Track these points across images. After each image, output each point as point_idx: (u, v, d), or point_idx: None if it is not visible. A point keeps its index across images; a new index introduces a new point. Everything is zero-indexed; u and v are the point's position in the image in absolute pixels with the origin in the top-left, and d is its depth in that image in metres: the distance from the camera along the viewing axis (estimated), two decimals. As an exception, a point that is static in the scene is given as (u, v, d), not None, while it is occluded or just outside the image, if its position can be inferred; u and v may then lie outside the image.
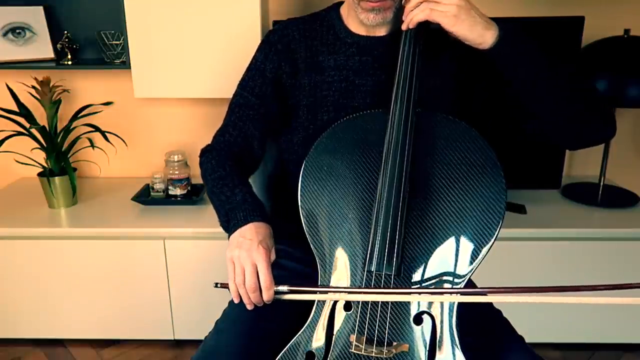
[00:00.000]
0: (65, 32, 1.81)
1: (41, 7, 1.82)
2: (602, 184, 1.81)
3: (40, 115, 1.76)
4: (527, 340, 0.95)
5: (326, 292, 0.87)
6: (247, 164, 1.12)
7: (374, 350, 0.82)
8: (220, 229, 0.99)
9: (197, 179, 1.51)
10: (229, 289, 0.89)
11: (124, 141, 1.89)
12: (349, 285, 0.88)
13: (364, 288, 0.86)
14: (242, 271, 0.87)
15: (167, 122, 1.99)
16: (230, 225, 0.95)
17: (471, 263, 0.85)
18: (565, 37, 1.62)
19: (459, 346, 0.83)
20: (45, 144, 1.73)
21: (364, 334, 0.84)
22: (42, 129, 1.70)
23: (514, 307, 0.92)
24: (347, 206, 0.90)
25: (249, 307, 0.89)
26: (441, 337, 0.83)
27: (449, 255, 0.86)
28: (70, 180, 1.73)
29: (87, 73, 1.94)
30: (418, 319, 0.84)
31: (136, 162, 2.04)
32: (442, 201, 0.87)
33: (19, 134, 1.72)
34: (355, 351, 0.83)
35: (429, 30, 0.97)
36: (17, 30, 1.80)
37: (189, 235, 1.64)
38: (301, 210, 0.92)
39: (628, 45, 1.66)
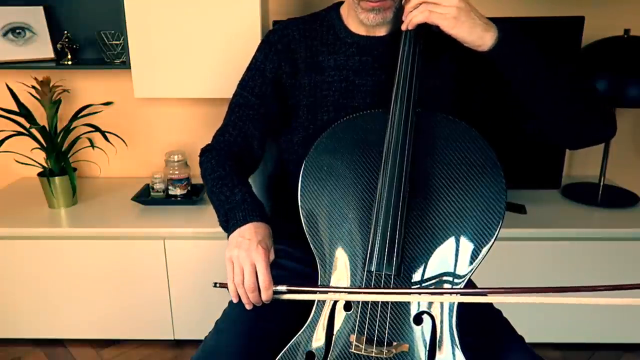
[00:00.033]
0: (65, 32, 1.81)
1: (41, 7, 1.82)
2: (602, 184, 1.81)
3: (40, 115, 1.76)
4: (527, 340, 0.95)
5: (325, 292, 0.87)
6: (247, 163, 1.12)
7: (374, 350, 0.82)
8: (220, 229, 0.99)
9: (197, 179, 1.51)
10: (227, 289, 0.89)
11: (124, 141, 1.89)
12: (348, 285, 0.88)
13: (364, 288, 0.86)
14: (241, 271, 0.87)
15: (167, 122, 1.99)
16: (229, 225, 0.95)
17: (471, 263, 0.85)
18: (565, 37, 1.62)
19: (459, 346, 0.83)
20: (45, 144, 1.73)
21: (364, 334, 0.84)
22: (42, 129, 1.70)
23: (514, 307, 0.92)
24: (347, 206, 0.90)
25: (248, 307, 0.90)
26: (441, 337, 0.83)
27: (449, 255, 0.86)
28: (70, 180, 1.73)
29: (87, 73, 1.94)
30: (418, 319, 0.84)
31: (136, 162, 2.04)
32: (442, 201, 0.87)
33: (19, 134, 1.72)
34: (355, 351, 0.83)
35: (429, 31, 0.97)
36: (17, 30, 1.80)
37: (189, 235, 1.64)
38: (301, 210, 0.92)
39: (628, 45, 1.66)
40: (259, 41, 1.14)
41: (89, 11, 1.84)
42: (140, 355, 1.76)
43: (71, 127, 1.77)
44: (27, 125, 1.72)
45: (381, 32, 1.06)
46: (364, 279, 0.87)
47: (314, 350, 0.85)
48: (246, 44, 1.49)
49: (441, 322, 0.84)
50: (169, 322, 1.73)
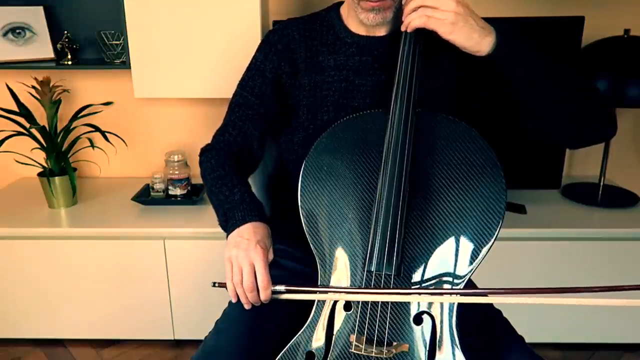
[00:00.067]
0: (65, 32, 1.81)
1: (41, 7, 1.82)
2: (602, 184, 1.81)
3: (40, 115, 1.76)
4: (527, 340, 0.95)
5: (324, 292, 0.87)
6: (247, 163, 1.12)
7: (374, 350, 0.82)
8: (220, 229, 1.00)
9: (197, 179, 1.51)
10: (226, 289, 0.90)
11: (124, 141, 1.89)
12: (348, 285, 0.88)
13: (363, 288, 0.86)
14: (240, 271, 0.87)
15: (167, 122, 2.00)
16: (228, 224, 0.95)
17: (471, 263, 0.85)
18: (565, 37, 1.62)
19: (459, 346, 0.83)
20: (45, 144, 1.73)
21: (364, 334, 0.84)
22: (42, 129, 1.70)
23: (514, 307, 0.92)
24: (347, 206, 0.90)
25: (247, 306, 0.90)
26: (441, 337, 0.83)
27: (448, 255, 0.86)
28: (70, 180, 1.73)
29: (87, 73, 1.94)
30: (418, 319, 0.84)
31: (136, 162, 2.04)
32: (442, 201, 0.87)
33: (19, 134, 1.72)
34: (355, 351, 0.83)
35: (429, 31, 0.97)
36: (17, 30, 1.80)
37: (189, 235, 1.64)
38: (301, 210, 0.92)
39: (628, 45, 1.66)
40: (259, 41, 1.14)
41: (89, 11, 1.84)
42: (140, 355, 1.76)
43: (71, 127, 1.77)
44: (27, 125, 1.72)
45: (381, 32, 1.06)
46: (364, 279, 0.87)
47: (314, 350, 0.85)
48: (246, 44, 1.49)
49: (441, 322, 0.84)
50: (169, 322, 1.73)
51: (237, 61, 1.27)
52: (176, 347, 1.79)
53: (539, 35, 1.41)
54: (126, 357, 1.75)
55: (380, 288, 0.86)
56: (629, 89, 1.62)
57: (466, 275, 0.85)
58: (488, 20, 0.92)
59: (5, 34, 1.79)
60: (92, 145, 1.78)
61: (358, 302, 0.85)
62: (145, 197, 1.81)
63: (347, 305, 0.86)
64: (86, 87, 1.95)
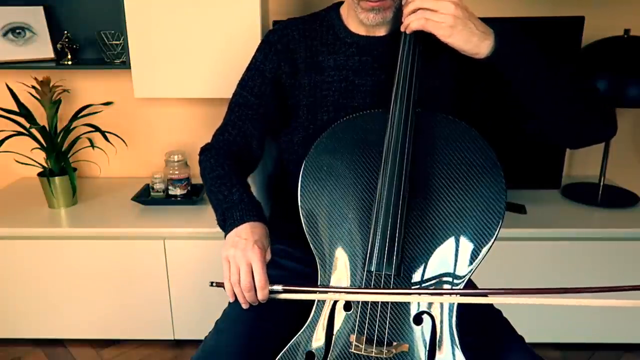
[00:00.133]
0: (65, 32, 1.81)
1: (41, 7, 1.82)
2: (602, 184, 1.81)
3: (40, 115, 1.76)
4: (527, 340, 0.95)
5: (321, 292, 0.87)
6: (246, 163, 1.12)
7: (373, 350, 0.82)
8: (220, 229, 1.00)
9: (197, 179, 1.51)
10: (224, 288, 0.90)
11: (124, 141, 1.89)
12: (348, 285, 0.88)
13: (362, 288, 0.86)
14: (237, 270, 0.87)
15: (167, 122, 2.00)
16: (226, 224, 0.95)
17: (471, 263, 0.85)
18: (565, 37, 1.62)
19: (459, 346, 0.83)
20: (45, 144, 1.73)
21: (364, 334, 0.84)
22: (42, 129, 1.70)
23: (514, 307, 0.92)
24: (347, 206, 0.90)
25: (244, 306, 0.90)
26: (441, 337, 0.83)
27: (448, 255, 0.86)
28: (70, 180, 1.73)
29: (87, 73, 1.94)
30: (418, 319, 0.84)
31: (136, 162, 2.04)
32: (442, 201, 0.87)
33: (19, 134, 1.72)
34: (355, 351, 0.83)
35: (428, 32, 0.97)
36: (17, 30, 1.80)
37: (189, 235, 1.64)
38: (301, 210, 0.92)
39: (628, 45, 1.66)
40: (259, 41, 1.14)
41: (89, 11, 1.84)
42: (140, 355, 1.76)
43: (71, 127, 1.77)
44: (27, 125, 1.72)
45: (381, 32, 1.06)
46: (364, 279, 0.87)
47: (313, 350, 0.85)
48: (246, 44, 1.49)
49: (441, 322, 0.84)
50: (169, 322, 1.73)
51: (237, 61, 1.27)
52: (176, 347, 1.79)
53: (539, 35, 1.41)
54: (126, 357, 1.75)
55: (380, 288, 0.86)
56: (629, 89, 1.62)
57: (466, 275, 0.85)
58: (488, 20, 0.92)
59: (5, 34, 1.79)
60: (92, 145, 1.78)
61: (358, 302, 0.85)
62: (145, 197, 1.81)
63: (347, 305, 0.86)
64: (86, 87, 1.95)
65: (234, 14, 1.57)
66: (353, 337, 0.84)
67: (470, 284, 1.03)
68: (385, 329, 0.84)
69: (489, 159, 0.89)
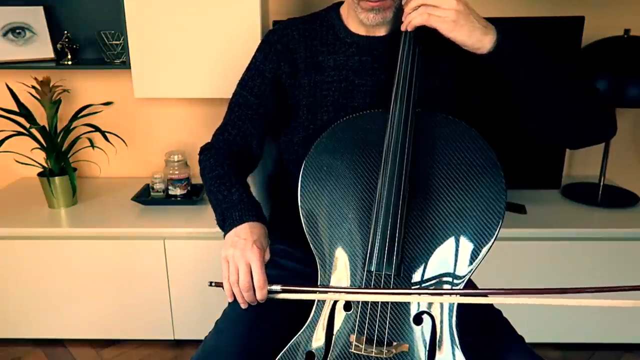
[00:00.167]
0: (65, 32, 1.81)
1: (41, 7, 1.82)
2: (602, 184, 1.81)
3: (40, 115, 1.76)
4: (527, 340, 0.95)
5: (320, 292, 0.87)
6: (246, 163, 1.12)
7: (373, 350, 0.82)
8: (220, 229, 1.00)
9: (197, 179, 1.51)
10: (223, 288, 0.90)
11: (124, 141, 1.89)
12: (348, 285, 0.88)
13: (360, 288, 0.86)
14: (236, 270, 0.88)
15: (167, 122, 2.00)
16: (225, 224, 0.96)
17: (471, 263, 0.85)
18: (565, 37, 1.62)
19: (458, 346, 0.83)
20: (45, 144, 1.73)
21: (364, 334, 0.84)
22: (42, 129, 1.70)
23: (514, 307, 0.92)
24: (347, 206, 0.90)
25: (243, 306, 0.90)
26: (441, 337, 0.83)
27: (448, 255, 0.86)
28: (70, 180, 1.73)
29: (87, 73, 1.94)
30: (418, 319, 0.84)
31: (136, 162, 2.04)
32: (442, 201, 0.87)
33: (19, 134, 1.72)
34: (355, 351, 0.83)
35: (429, 31, 0.97)
36: (17, 30, 1.80)
37: (189, 235, 1.64)
38: (301, 210, 0.92)
39: (628, 45, 1.66)
40: (259, 41, 1.14)
41: (89, 11, 1.84)
42: (140, 355, 1.76)
43: (71, 127, 1.77)
44: (27, 125, 1.72)
45: (381, 32, 1.06)
46: (364, 279, 0.86)
47: (313, 350, 0.85)
48: (246, 44, 1.49)
49: (441, 322, 0.84)
50: (169, 322, 1.73)
51: (237, 61, 1.27)
52: (176, 347, 1.79)
53: (539, 35, 1.41)
54: (126, 357, 1.75)
55: (380, 288, 0.86)
56: (629, 89, 1.62)
57: (466, 275, 0.85)
58: (488, 20, 0.92)
59: (5, 34, 1.79)
60: (92, 145, 1.78)
61: (358, 302, 0.85)
62: (145, 197, 1.81)
63: (347, 305, 0.86)
64: (86, 87, 1.95)
65: (234, 14, 1.57)
66: (353, 337, 0.84)
67: (470, 284, 1.03)
68: (385, 329, 0.84)
69: (489, 159, 0.89)
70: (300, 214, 0.92)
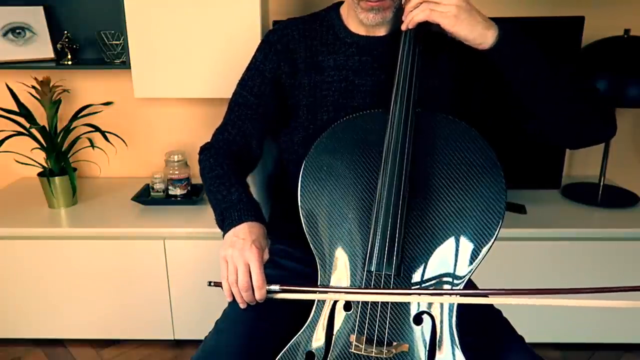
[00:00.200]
0: (65, 32, 1.81)
1: (41, 7, 1.82)
2: (602, 184, 1.81)
3: (40, 115, 1.76)
4: (527, 340, 0.95)
5: (318, 292, 0.87)
6: (246, 162, 1.12)
7: (373, 350, 0.82)
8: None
9: (197, 179, 1.51)
10: (222, 288, 0.90)
11: (124, 141, 1.89)
12: (348, 285, 0.88)
13: (360, 288, 0.86)
14: (235, 270, 0.88)
15: (167, 122, 2.00)
16: (224, 224, 0.96)
17: (471, 263, 0.85)
18: (565, 37, 1.62)
19: (458, 346, 0.83)
20: (45, 144, 1.73)
21: (364, 334, 0.84)
22: (42, 129, 1.70)
23: (514, 308, 0.92)
24: (347, 206, 0.90)
25: (242, 305, 0.90)
26: (441, 337, 0.83)
27: (448, 255, 0.86)
28: (70, 180, 1.73)
29: (87, 73, 1.94)
30: (418, 319, 0.84)
31: (136, 162, 2.04)
32: (442, 201, 0.87)
33: (19, 134, 1.72)
34: (355, 351, 0.83)
35: (428, 31, 0.97)
36: (17, 30, 1.80)
37: (189, 235, 1.64)
38: (301, 210, 0.92)
39: (628, 45, 1.66)
40: (259, 41, 1.14)
41: (89, 11, 1.84)
42: (140, 355, 1.76)
43: (71, 127, 1.77)
44: (27, 125, 1.72)
45: (381, 32, 1.06)
46: (364, 279, 0.86)
47: (313, 350, 0.85)
48: (246, 44, 1.49)
49: (441, 322, 0.84)
50: (169, 322, 1.73)
51: (237, 61, 1.27)
52: (176, 347, 1.79)
53: (539, 35, 1.41)
54: (126, 357, 1.75)
55: (380, 288, 0.86)
56: (629, 89, 1.62)
57: (466, 275, 0.85)
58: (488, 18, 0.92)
59: (5, 34, 1.79)
60: (92, 145, 1.78)
61: (358, 302, 0.85)
62: (145, 197, 1.81)
63: (347, 305, 0.86)
64: (86, 87, 1.95)
65: (234, 14, 1.57)
66: (353, 337, 0.84)
67: (470, 284, 1.03)
68: (385, 329, 0.84)
69: (489, 159, 0.89)
70: (300, 214, 0.92)
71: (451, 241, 0.86)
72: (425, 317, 0.84)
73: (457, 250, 0.85)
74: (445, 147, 0.91)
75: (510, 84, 0.95)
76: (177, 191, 1.78)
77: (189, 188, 1.81)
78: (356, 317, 0.85)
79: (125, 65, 1.71)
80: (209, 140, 1.14)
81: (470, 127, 0.92)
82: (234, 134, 1.10)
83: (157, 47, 1.61)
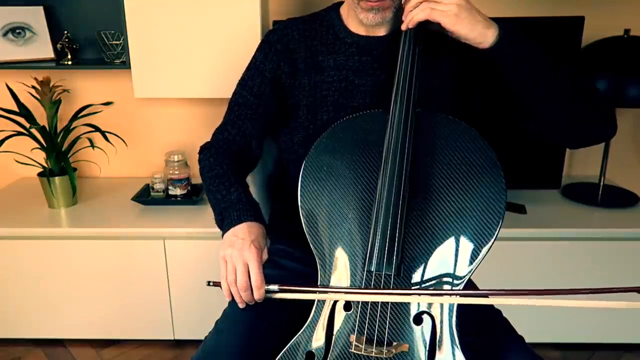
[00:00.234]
0: (65, 32, 1.81)
1: (41, 7, 1.82)
2: (602, 184, 1.81)
3: (40, 115, 1.76)
4: (527, 340, 0.95)
5: (317, 292, 0.87)
6: (245, 162, 1.12)
7: (373, 350, 0.82)
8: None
9: (197, 179, 1.51)
10: (221, 287, 0.90)
11: (124, 141, 1.89)
12: (348, 285, 0.88)
13: (360, 288, 0.86)
14: (234, 270, 0.88)
15: (167, 122, 2.00)
16: (224, 223, 0.96)
17: (471, 263, 0.85)
18: (565, 37, 1.62)
19: (458, 346, 0.83)
20: (45, 144, 1.73)
21: (364, 334, 0.84)
22: (42, 129, 1.70)
23: (514, 308, 0.92)
24: (347, 206, 0.90)
25: (241, 305, 0.90)
26: (441, 337, 0.83)
27: (448, 255, 0.86)
28: (70, 180, 1.73)
29: (87, 73, 1.94)
30: (418, 319, 0.84)
31: (136, 162, 2.04)
32: (442, 201, 0.87)
33: (19, 134, 1.72)
34: (355, 351, 0.83)
35: (429, 31, 0.97)
36: (17, 30, 1.80)
37: (189, 235, 1.64)
38: (301, 210, 0.92)
39: (628, 45, 1.66)
40: (259, 41, 1.14)
41: (89, 11, 1.84)
42: (140, 355, 1.76)
43: (71, 127, 1.77)
44: (27, 125, 1.72)
45: (381, 32, 1.06)
46: (364, 279, 0.86)
47: (313, 350, 0.85)
48: (246, 44, 1.49)
49: (441, 322, 0.84)
50: (169, 322, 1.73)
51: (237, 61, 1.27)
52: (176, 347, 1.79)
53: (539, 35, 1.41)
54: (126, 357, 1.75)
55: (380, 288, 0.86)
56: (629, 89, 1.62)
57: (466, 275, 0.85)
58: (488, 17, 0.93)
59: (5, 34, 1.79)
60: (92, 145, 1.78)
61: (358, 302, 0.85)
62: (145, 197, 1.80)
63: (347, 305, 0.86)
64: (86, 87, 1.95)
65: (234, 14, 1.57)
66: (353, 337, 0.84)
67: (470, 284, 1.03)
68: (385, 329, 0.84)
69: (489, 159, 0.89)
70: (300, 214, 0.92)
71: (451, 241, 0.86)
72: (425, 317, 0.84)
73: (457, 250, 0.85)
74: (445, 147, 0.91)
75: (511, 83, 0.95)
76: (177, 191, 1.78)
77: (189, 188, 1.81)
78: (356, 317, 0.85)
79: (125, 65, 1.71)
80: (209, 140, 1.14)
81: (470, 127, 0.92)
82: (233, 134, 1.10)
83: (157, 47, 1.61)
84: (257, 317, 0.93)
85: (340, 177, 0.92)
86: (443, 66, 1.05)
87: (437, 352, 0.83)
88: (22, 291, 1.69)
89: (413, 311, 0.85)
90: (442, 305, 0.84)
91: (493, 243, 0.85)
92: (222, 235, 0.94)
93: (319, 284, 0.89)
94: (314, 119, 1.07)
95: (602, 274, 1.63)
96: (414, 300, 0.84)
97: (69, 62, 1.80)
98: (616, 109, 1.77)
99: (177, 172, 1.77)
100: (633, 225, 1.63)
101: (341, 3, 1.11)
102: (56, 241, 1.65)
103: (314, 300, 0.88)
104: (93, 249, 1.65)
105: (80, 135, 1.81)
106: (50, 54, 1.84)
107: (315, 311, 0.87)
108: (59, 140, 1.75)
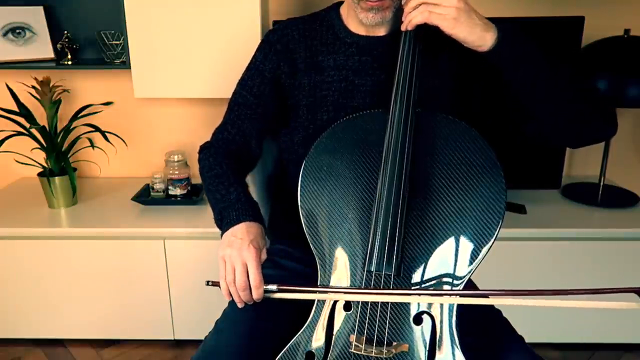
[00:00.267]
0: (65, 32, 1.81)
1: (41, 7, 1.82)
2: (602, 184, 1.81)
3: (40, 115, 1.76)
4: (527, 340, 0.95)
5: (316, 292, 0.87)
6: (245, 162, 1.12)
7: (373, 350, 0.82)
8: (219, 229, 1.00)
9: (197, 179, 1.51)
10: (220, 287, 0.90)
11: (124, 141, 1.89)
12: (348, 285, 0.88)
13: (360, 288, 0.86)
14: (233, 270, 0.88)
15: (167, 122, 2.00)
16: (223, 223, 0.96)
17: (471, 263, 0.85)
18: (565, 37, 1.62)
19: (458, 346, 0.83)
20: (45, 144, 1.73)
21: (364, 334, 0.84)
22: (42, 129, 1.70)
23: (514, 308, 0.92)
24: (347, 206, 0.90)
25: (240, 305, 0.90)
26: (441, 337, 0.83)
27: (448, 255, 0.86)
28: (70, 180, 1.73)
29: (87, 73, 1.94)
30: (418, 319, 0.84)
31: (136, 162, 2.04)
32: (441, 201, 0.87)
33: (19, 134, 1.72)
34: (355, 351, 0.83)
35: (428, 30, 0.97)
36: (17, 30, 1.80)
37: (189, 235, 1.64)
38: (301, 210, 0.92)
39: (628, 45, 1.66)
40: (259, 41, 1.14)
41: (89, 11, 1.84)
42: (140, 355, 1.76)
43: (71, 127, 1.77)
44: (27, 125, 1.72)
45: (381, 32, 1.06)
46: (364, 279, 0.86)
47: (313, 350, 0.85)
48: (246, 44, 1.49)
49: (441, 322, 0.84)
50: (169, 322, 1.73)
51: (237, 61, 1.27)
52: (176, 347, 1.79)
53: (539, 35, 1.41)
54: (126, 357, 1.75)
55: (379, 288, 0.86)
56: (629, 89, 1.62)
57: (466, 275, 0.85)
58: (488, 20, 0.92)
59: (5, 34, 1.79)
60: (92, 145, 1.78)
61: (358, 302, 0.85)
62: (145, 197, 1.80)
63: (347, 305, 0.86)
64: (86, 87, 1.95)
65: (234, 14, 1.57)
66: (353, 337, 0.84)
67: (470, 284, 1.03)
68: (385, 329, 0.84)
69: (488, 158, 0.89)
70: (300, 214, 0.92)
71: (451, 241, 0.86)
72: (425, 317, 0.84)
73: (457, 250, 0.85)
74: (445, 147, 0.91)
75: (509, 84, 0.95)
76: (177, 191, 1.78)
77: (189, 188, 1.81)
78: (356, 317, 0.85)
79: (125, 65, 1.71)
80: (208, 140, 1.14)
81: (470, 127, 0.92)
82: (233, 134, 1.10)
83: (157, 47, 1.61)
84: (257, 317, 0.94)
85: (340, 177, 0.92)
86: (443, 66, 1.05)
87: (437, 352, 0.83)
88: (22, 291, 1.69)
89: (413, 311, 0.85)
90: (442, 305, 0.84)
91: (493, 243, 0.85)
92: (221, 235, 0.95)
93: (318, 284, 0.89)
94: (314, 119, 1.07)
95: (602, 274, 1.63)
96: (414, 300, 0.84)
97: (69, 62, 1.80)
98: (616, 109, 1.77)
99: (177, 172, 1.77)
100: (633, 225, 1.63)
101: (341, 3, 1.11)
102: (56, 241, 1.65)
103: (314, 300, 0.88)
104: (93, 249, 1.65)
105: (80, 135, 1.81)
106: (50, 54, 1.84)
107: (315, 311, 0.87)
108: (59, 140, 1.75)
